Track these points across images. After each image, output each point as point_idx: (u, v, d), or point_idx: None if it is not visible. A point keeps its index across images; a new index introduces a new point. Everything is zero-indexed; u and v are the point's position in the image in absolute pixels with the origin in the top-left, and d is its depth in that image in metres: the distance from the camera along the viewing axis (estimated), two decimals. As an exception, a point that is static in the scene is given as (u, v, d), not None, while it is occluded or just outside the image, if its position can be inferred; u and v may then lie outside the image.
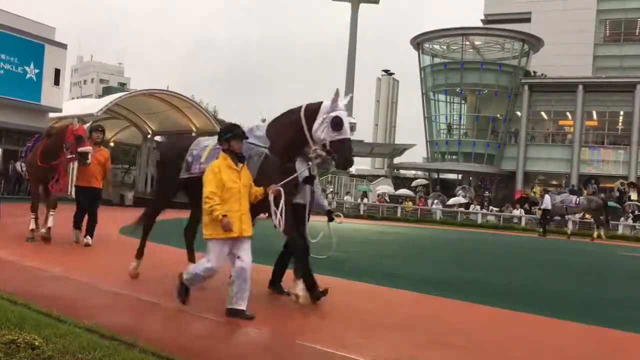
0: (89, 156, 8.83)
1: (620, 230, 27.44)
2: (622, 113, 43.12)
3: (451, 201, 34.88)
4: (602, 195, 31.57)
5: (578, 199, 24.10)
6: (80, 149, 8.63)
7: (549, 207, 23.57)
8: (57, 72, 25.50)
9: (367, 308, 6.04)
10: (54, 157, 8.85)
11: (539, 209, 24.91)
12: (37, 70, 24.49)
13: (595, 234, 22.93)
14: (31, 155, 9.47)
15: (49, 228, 9.02)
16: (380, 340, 4.67)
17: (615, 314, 6.72)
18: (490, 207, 35.09)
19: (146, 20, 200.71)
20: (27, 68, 24.17)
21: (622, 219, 30.38)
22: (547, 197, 23.91)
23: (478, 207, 33.70)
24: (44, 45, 24.82)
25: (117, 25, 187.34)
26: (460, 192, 36.89)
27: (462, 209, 32.67)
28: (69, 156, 8.75)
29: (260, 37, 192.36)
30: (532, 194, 34.40)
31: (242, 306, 4.99)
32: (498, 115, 45.56)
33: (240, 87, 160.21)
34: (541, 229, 23.81)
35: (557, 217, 25.17)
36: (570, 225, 25.99)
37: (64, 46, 26.01)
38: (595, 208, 23.66)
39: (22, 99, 23.33)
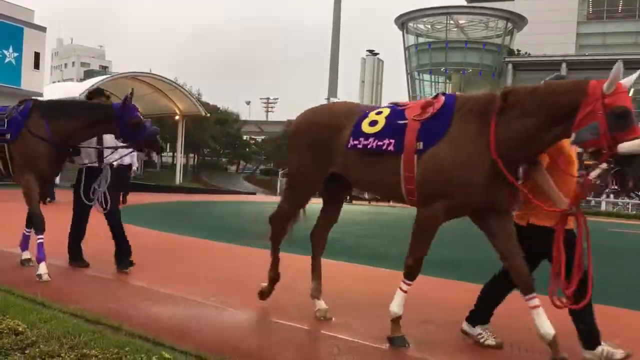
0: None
1: (603, 207, 27.80)
2: (605, 90, 43.43)
3: None
4: None
5: None
6: None
7: None
8: (37, 56, 25.10)
9: (356, 288, 6.05)
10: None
11: None
12: (16, 54, 24.06)
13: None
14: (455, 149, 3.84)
15: None
16: (368, 319, 4.68)
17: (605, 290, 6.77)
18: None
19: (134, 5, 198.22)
20: (5, 52, 23.73)
21: (603, 195, 30.74)
22: None
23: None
24: (22, 28, 24.38)
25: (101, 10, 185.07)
26: None
27: None
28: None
29: (255, 22, 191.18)
30: None
31: None
32: (483, 95, 45.75)
33: (230, 72, 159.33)
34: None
35: None
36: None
37: (43, 29, 25.57)
38: None
39: (1, 84, 22.92)
